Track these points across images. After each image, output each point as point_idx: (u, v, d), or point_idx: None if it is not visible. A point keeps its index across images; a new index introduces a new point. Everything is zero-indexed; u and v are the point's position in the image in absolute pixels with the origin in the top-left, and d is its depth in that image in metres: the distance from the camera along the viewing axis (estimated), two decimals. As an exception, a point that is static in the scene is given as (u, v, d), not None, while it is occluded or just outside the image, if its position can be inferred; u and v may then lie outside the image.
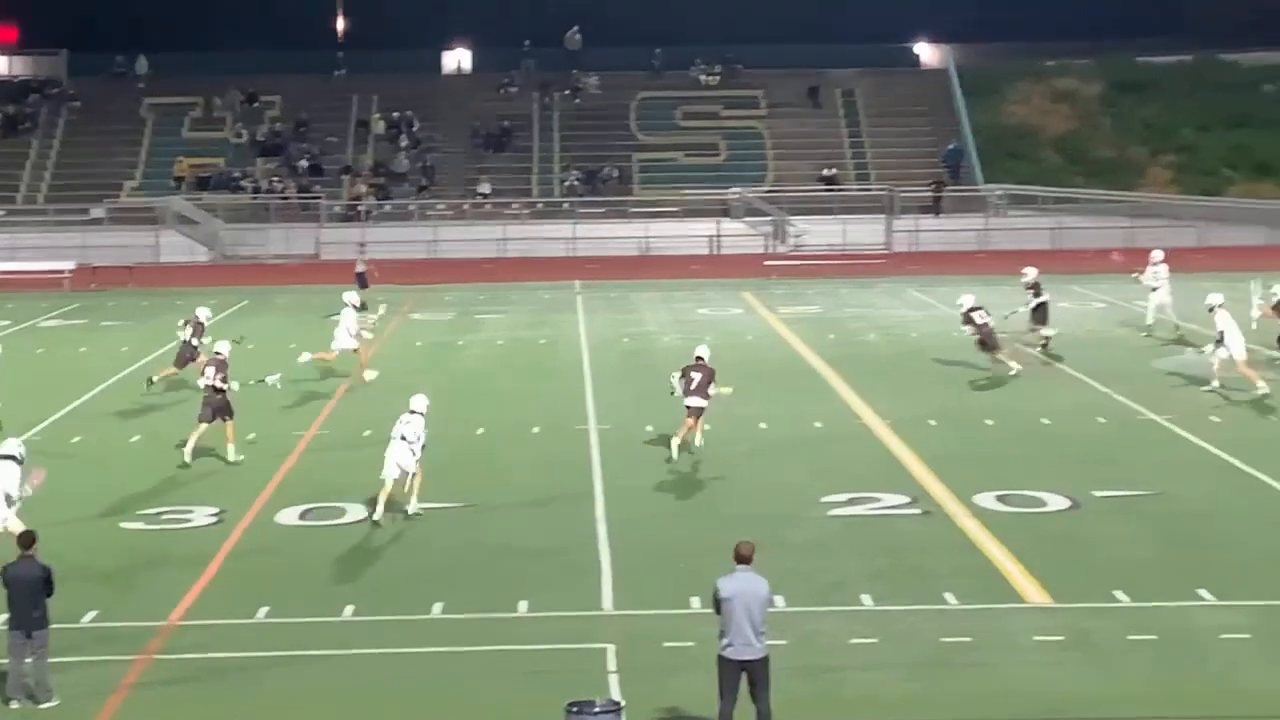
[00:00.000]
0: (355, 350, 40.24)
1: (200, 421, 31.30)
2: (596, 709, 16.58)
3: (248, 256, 72.46)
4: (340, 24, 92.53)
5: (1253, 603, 22.20)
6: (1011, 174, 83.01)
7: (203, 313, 39.83)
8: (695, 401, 31.18)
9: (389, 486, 26.85)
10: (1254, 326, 40.07)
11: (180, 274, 67.38)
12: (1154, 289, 45.88)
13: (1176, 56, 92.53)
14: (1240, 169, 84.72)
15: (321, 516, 27.40)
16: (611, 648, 20.69)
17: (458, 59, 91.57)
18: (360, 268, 54.54)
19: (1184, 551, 24.82)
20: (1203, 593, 22.58)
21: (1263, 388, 36.34)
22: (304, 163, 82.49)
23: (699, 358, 31.82)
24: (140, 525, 27.13)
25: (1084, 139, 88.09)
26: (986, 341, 39.56)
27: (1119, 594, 22.60)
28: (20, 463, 24.29)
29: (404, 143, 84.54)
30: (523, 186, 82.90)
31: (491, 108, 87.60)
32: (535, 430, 34.08)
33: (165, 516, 27.53)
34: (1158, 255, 46.34)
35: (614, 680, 19.56)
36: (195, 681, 19.96)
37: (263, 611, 22.38)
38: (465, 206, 79.52)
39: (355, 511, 27.46)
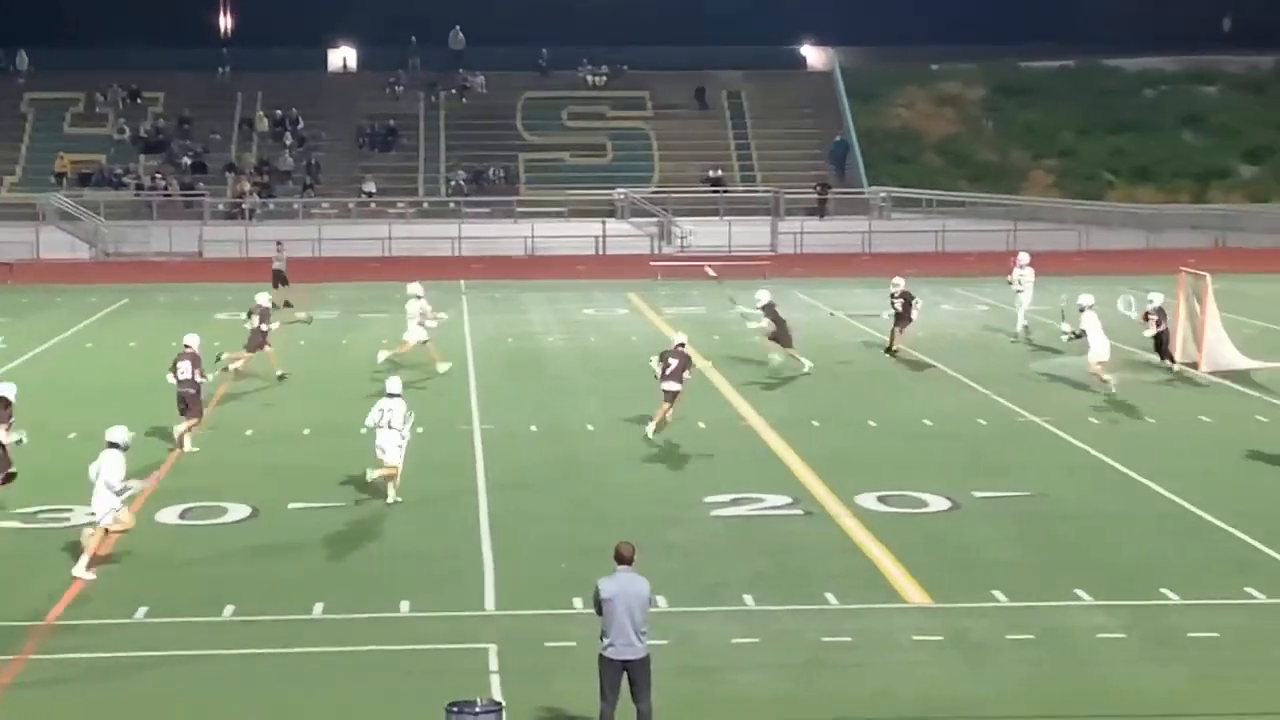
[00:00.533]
0: (425, 341, 40.63)
1: (188, 418, 32.01)
2: (477, 709, 16.55)
3: (130, 254, 71.85)
4: (224, 21, 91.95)
5: (1128, 603, 22.44)
6: (895, 177, 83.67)
7: (263, 298, 40.10)
8: (670, 385, 32.70)
9: (389, 468, 27.82)
10: (1146, 334, 40.40)
11: (61, 271, 66.73)
12: (1019, 292, 46.25)
13: (1059, 62, 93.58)
14: (1120, 173, 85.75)
15: (202, 516, 27.21)
16: (493, 648, 20.66)
17: (343, 57, 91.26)
18: (278, 265, 54.49)
19: (1061, 552, 25.04)
20: (1080, 593, 22.80)
21: (1112, 388, 36.91)
22: (187, 160, 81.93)
23: (679, 344, 33.25)
24: (17, 524, 26.82)
25: (967, 143, 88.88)
26: (779, 337, 39.66)
27: (997, 594, 22.80)
28: (124, 450, 24.40)
29: (288, 141, 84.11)
30: (408, 185, 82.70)
31: (377, 106, 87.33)
32: (419, 430, 33.92)
33: (42, 515, 27.22)
34: (1024, 258, 46.69)
35: (495, 680, 19.53)
36: (72, 682, 19.75)
37: (141, 611, 22.17)
38: (350, 205, 79.23)
39: (236, 511, 27.31)
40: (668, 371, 32.74)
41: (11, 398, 27.57)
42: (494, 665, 20.09)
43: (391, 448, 27.86)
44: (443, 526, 26.53)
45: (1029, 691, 19.38)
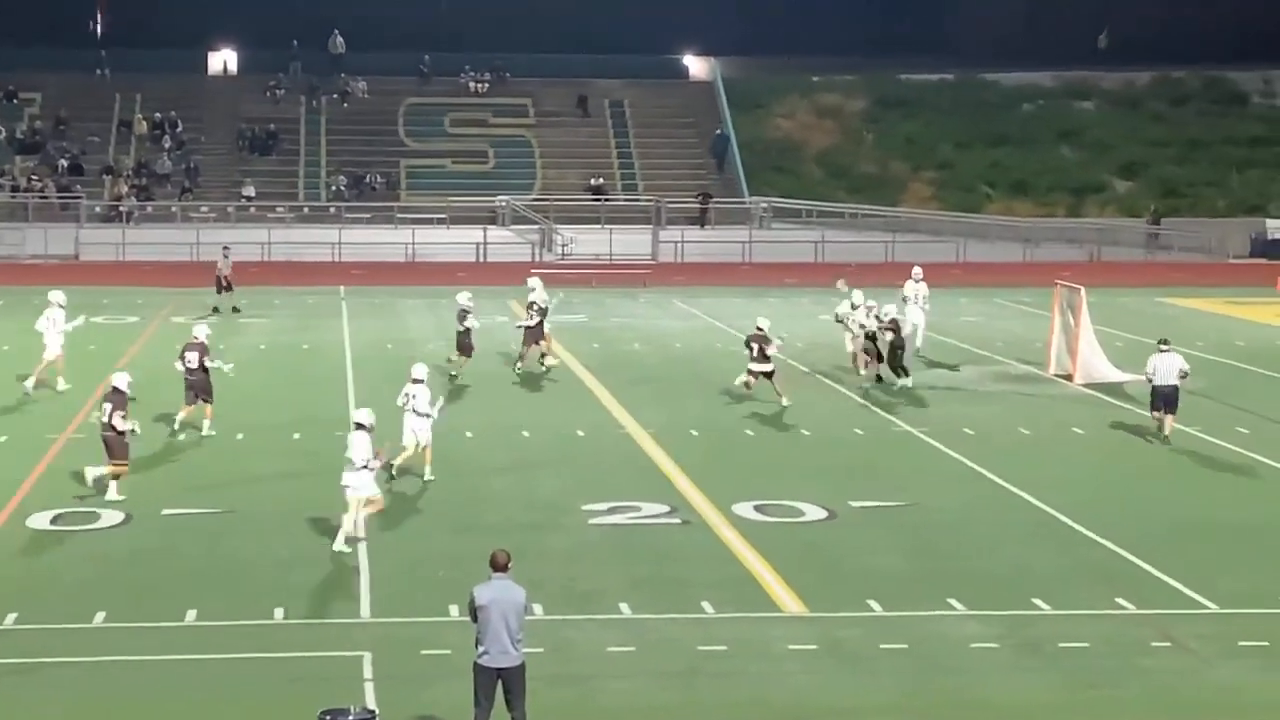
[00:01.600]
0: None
1: (187, 404, 33.39)
2: (350, 717, 16.48)
3: (4, 256, 70.86)
4: (100, 22, 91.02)
5: (1001, 612, 22.66)
6: (776, 187, 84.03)
7: (463, 298, 40.68)
8: (759, 366, 37.18)
9: (409, 452, 29.39)
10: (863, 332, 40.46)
11: (-67, 272, 65.79)
12: (921, 308, 45.57)
13: (938, 75, 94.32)
14: (998, 187, 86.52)
15: (74, 521, 26.93)
16: (368, 655, 20.59)
17: (223, 60, 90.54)
18: (222, 270, 53.71)
19: (936, 562, 25.25)
20: (953, 602, 23.00)
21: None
22: (64, 162, 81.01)
23: (759, 328, 37.57)
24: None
25: (847, 154, 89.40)
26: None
27: (872, 603, 22.95)
28: (371, 431, 25.63)
29: (167, 144, 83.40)
30: (288, 190, 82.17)
31: (258, 110, 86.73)
32: (295, 436, 33.80)
33: (-91, 520, 26.91)
34: (918, 272, 46.30)
35: (370, 688, 19.45)
36: (-61, 689, 19.52)
37: (11, 618, 21.92)
38: (229, 209, 78.61)
39: (109, 516, 27.06)
40: (755, 354, 37.15)
41: (126, 388, 28.97)
42: (368, 673, 20.01)
43: (422, 429, 29.52)
44: (318, 533, 26.38)
45: (903, 700, 19.53)
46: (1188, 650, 21.34)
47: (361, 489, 25.60)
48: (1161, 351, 34.89)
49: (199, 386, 33.67)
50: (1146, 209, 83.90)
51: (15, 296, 56.90)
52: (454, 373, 40.20)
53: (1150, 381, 34.78)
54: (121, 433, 28.33)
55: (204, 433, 33.49)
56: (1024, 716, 19.08)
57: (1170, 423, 34.49)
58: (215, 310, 51.76)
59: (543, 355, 41.47)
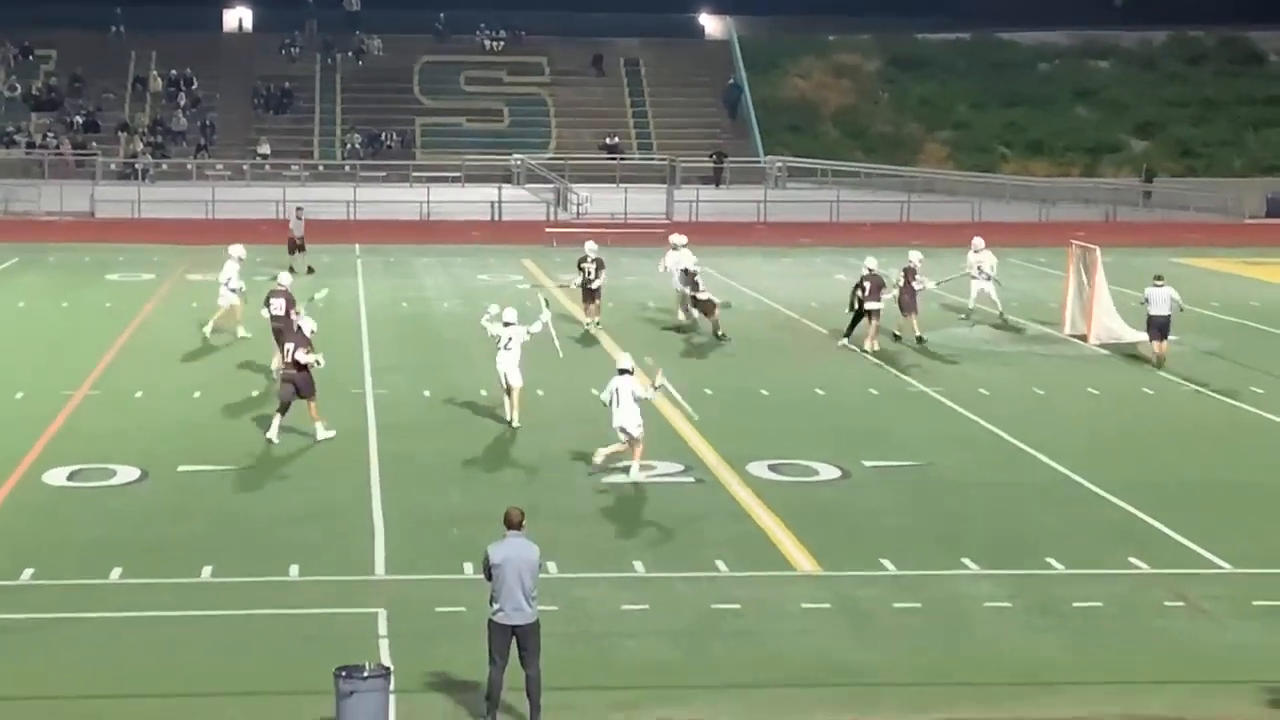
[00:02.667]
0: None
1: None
2: (365, 674, 16.56)
3: (19, 213, 70.92)
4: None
5: (1014, 572, 22.69)
6: (791, 147, 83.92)
7: (591, 246, 42.08)
8: (872, 305, 39.06)
9: (514, 394, 30.71)
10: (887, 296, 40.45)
11: (-51, 229, 65.89)
12: (975, 278, 44.60)
13: (955, 35, 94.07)
14: (1014, 147, 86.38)
15: (90, 478, 27.00)
16: (382, 613, 20.66)
17: (239, 17, 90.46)
18: (295, 231, 52.97)
19: (949, 521, 25.28)
20: (966, 562, 23.04)
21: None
22: (79, 119, 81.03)
23: (870, 269, 39.32)
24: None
25: (863, 114, 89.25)
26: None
27: (886, 563, 22.99)
28: (632, 374, 27.55)
29: (182, 101, 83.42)
30: (303, 148, 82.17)
31: (273, 68, 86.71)
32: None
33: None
34: (978, 242, 45.25)
35: (384, 645, 19.53)
36: (-44, 645, 19.61)
37: (28, 574, 22.02)
38: (244, 167, 78.61)
39: (125, 473, 27.14)
40: (866, 294, 39.02)
41: (309, 331, 29.97)
42: (383, 630, 20.09)
43: (514, 370, 30.52)
44: (333, 491, 26.46)
45: (915, 659, 19.57)
46: (1201, 610, 21.37)
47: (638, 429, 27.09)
48: (1156, 285, 37.99)
49: (284, 333, 33.30)
50: (1164, 169, 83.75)
51: (31, 254, 57.01)
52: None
53: (1146, 309, 38.08)
54: (306, 367, 29.19)
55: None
56: (1036, 675, 19.11)
57: (1163, 348, 37.76)
58: (291, 270, 51.38)
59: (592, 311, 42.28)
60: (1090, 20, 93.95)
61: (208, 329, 39.35)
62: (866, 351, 38.70)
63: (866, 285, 39.22)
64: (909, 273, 40.61)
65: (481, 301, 43.42)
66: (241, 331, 39.21)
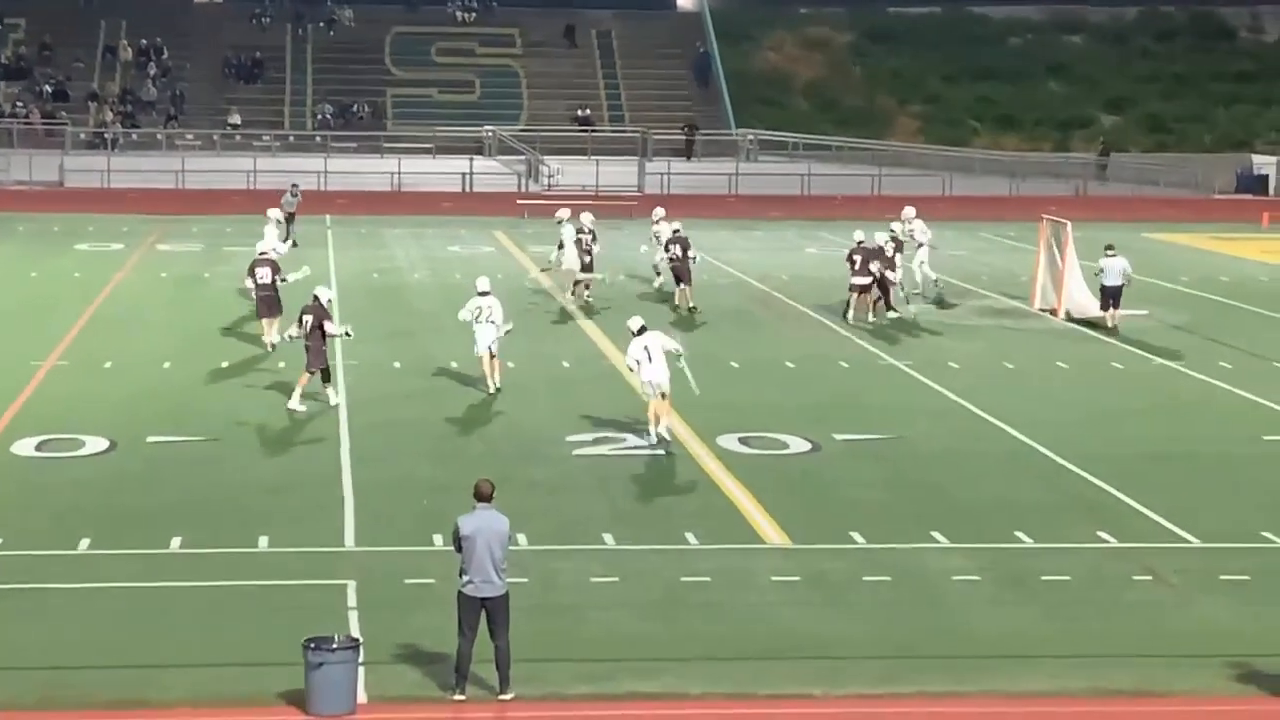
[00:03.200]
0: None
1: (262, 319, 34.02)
2: (334, 645, 16.56)
3: (-12, 182, 70.65)
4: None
5: (983, 545, 22.74)
6: (763, 120, 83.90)
7: (587, 218, 42.32)
8: (859, 280, 39.15)
9: (488, 362, 31.00)
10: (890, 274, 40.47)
11: (-83, 198, 65.59)
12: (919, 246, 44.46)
13: (927, 8, 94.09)
14: (985, 121, 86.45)
15: (58, 448, 26.93)
16: (352, 584, 20.65)
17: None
18: (289, 210, 50.98)
19: (919, 495, 25.32)
20: (936, 535, 23.08)
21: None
22: (48, 88, 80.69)
23: (860, 242, 39.49)
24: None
25: (834, 87, 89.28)
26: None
27: (855, 535, 23.02)
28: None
29: (153, 70, 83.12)
30: (274, 119, 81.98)
31: (243, 37, 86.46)
32: (281, 364, 33.76)
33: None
34: (909, 212, 45.47)
35: (354, 616, 19.51)
36: (-77, 614, 19.55)
37: (-4, 544, 21.98)
38: (215, 137, 78.39)
39: (94, 444, 27.07)
40: (855, 268, 39.06)
41: (325, 301, 30.06)
42: (352, 601, 20.07)
43: (493, 339, 30.90)
44: (303, 462, 26.45)
45: (885, 632, 19.61)
46: (1168, 584, 21.44)
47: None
48: (1109, 255, 39.29)
49: (270, 300, 34.40)
50: (1134, 143, 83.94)
51: (0, 223, 56.75)
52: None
53: (1100, 279, 39.47)
54: (325, 338, 29.58)
55: (273, 342, 33.68)
56: (1005, 648, 19.15)
57: (1116, 315, 39.21)
58: (294, 244, 50.85)
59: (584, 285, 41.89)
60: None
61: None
62: (868, 323, 39.09)
63: (856, 259, 39.30)
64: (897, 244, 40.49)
65: (452, 273, 43.51)
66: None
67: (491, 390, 31.05)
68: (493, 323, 30.96)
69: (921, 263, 43.01)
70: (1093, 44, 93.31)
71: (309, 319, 29.56)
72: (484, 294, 31.23)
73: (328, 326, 29.65)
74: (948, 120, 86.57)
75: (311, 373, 29.77)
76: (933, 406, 31.38)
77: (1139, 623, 20.09)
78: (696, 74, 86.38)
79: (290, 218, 51.50)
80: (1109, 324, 39.09)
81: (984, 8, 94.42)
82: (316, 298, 30.04)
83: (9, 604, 19.92)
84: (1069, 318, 40.52)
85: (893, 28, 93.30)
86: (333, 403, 29.97)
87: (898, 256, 40.22)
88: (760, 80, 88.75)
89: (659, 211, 44.23)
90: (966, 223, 59.34)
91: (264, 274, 34.69)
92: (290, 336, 30.30)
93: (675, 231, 41.53)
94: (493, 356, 31.23)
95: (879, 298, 39.76)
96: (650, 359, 27.43)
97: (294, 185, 53.92)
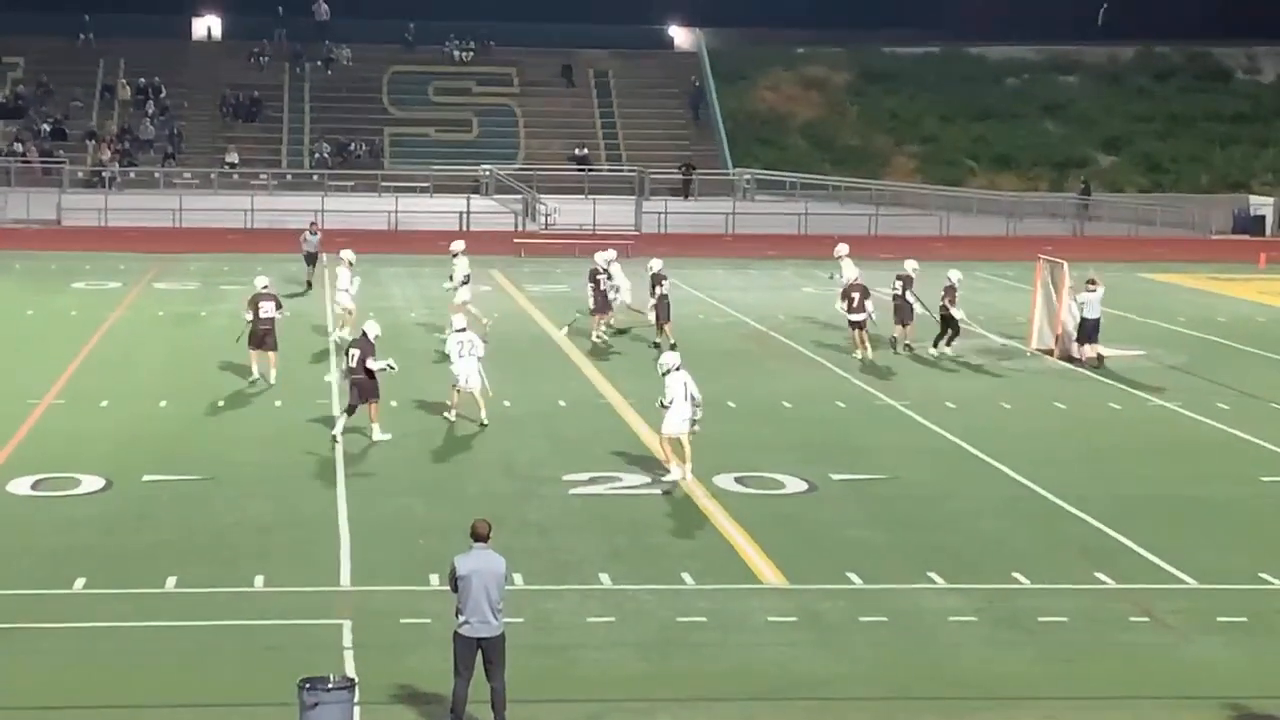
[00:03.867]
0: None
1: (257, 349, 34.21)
2: (330, 685, 16.51)
3: (-15, 220, 70.67)
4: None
5: (979, 586, 22.71)
6: (760, 159, 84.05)
7: (601, 258, 42.52)
8: (856, 317, 40.04)
9: (467, 395, 31.70)
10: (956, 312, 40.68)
11: (-86, 236, 65.62)
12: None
13: (924, 48, 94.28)
14: (981, 160, 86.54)
15: (54, 487, 26.89)
16: (348, 624, 20.60)
17: (207, 25, 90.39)
18: (309, 248, 51.33)
19: (916, 535, 25.28)
20: (933, 575, 23.04)
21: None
22: (46, 126, 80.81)
23: (856, 280, 40.75)
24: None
25: (831, 127, 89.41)
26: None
27: (852, 576, 22.99)
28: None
29: (151, 109, 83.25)
30: (271, 157, 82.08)
31: (241, 76, 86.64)
32: (277, 403, 33.77)
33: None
34: (842, 249, 44.55)
35: (349, 656, 19.47)
36: (-82, 654, 19.49)
37: (-10, 583, 21.93)
38: (212, 176, 78.48)
39: (90, 483, 27.02)
40: (854, 305, 39.86)
41: (373, 337, 30.77)
42: (348, 641, 20.02)
43: (475, 375, 31.58)
44: (299, 501, 26.39)
45: (881, 673, 19.57)
46: (1165, 625, 21.41)
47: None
48: (1090, 290, 39.50)
49: (268, 334, 35.26)
50: (1131, 183, 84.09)
51: (-4, 261, 56.78)
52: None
53: (1081, 315, 39.75)
54: (372, 374, 30.14)
55: (375, 437, 31.44)
56: (1002, 689, 19.12)
57: (1090, 351, 39.66)
58: (309, 285, 50.83)
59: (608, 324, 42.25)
60: (1058, 35, 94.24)
61: (344, 333, 38.69)
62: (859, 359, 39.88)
63: (854, 296, 40.00)
64: (949, 291, 40.57)
65: (450, 312, 43.41)
66: (348, 334, 38.61)
67: (483, 423, 31.54)
68: (476, 357, 31.70)
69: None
70: (1089, 84, 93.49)
71: (356, 353, 30.34)
72: (461, 330, 32.12)
73: (370, 362, 30.18)
74: (945, 160, 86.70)
75: (353, 409, 30.38)
76: (930, 446, 31.37)
77: (1136, 664, 20.06)
78: (692, 108, 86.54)
79: (310, 257, 51.23)
80: (1085, 357, 39.55)
81: (981, 48, 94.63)
82: (365, 334, 30.86)
83: (4, 644, 19.86)
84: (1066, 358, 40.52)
85: (890, 68, 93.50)
86: (376, 438, 30.37)
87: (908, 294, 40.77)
88: (757, 119, 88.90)
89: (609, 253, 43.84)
90: (963, 262, 59.27)
91: (268, 308, 35.25)
92: (343, 371, 31.34)
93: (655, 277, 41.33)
94: (472, 392, 31.73)
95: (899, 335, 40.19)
96: (687, 397, 27.80)
97: (312, 224, 53.41)
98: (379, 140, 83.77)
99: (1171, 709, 18.67)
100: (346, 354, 31.18)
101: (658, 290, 40.98)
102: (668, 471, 27.85)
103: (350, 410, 30.41)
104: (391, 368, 30.84)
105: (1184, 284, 58.44)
